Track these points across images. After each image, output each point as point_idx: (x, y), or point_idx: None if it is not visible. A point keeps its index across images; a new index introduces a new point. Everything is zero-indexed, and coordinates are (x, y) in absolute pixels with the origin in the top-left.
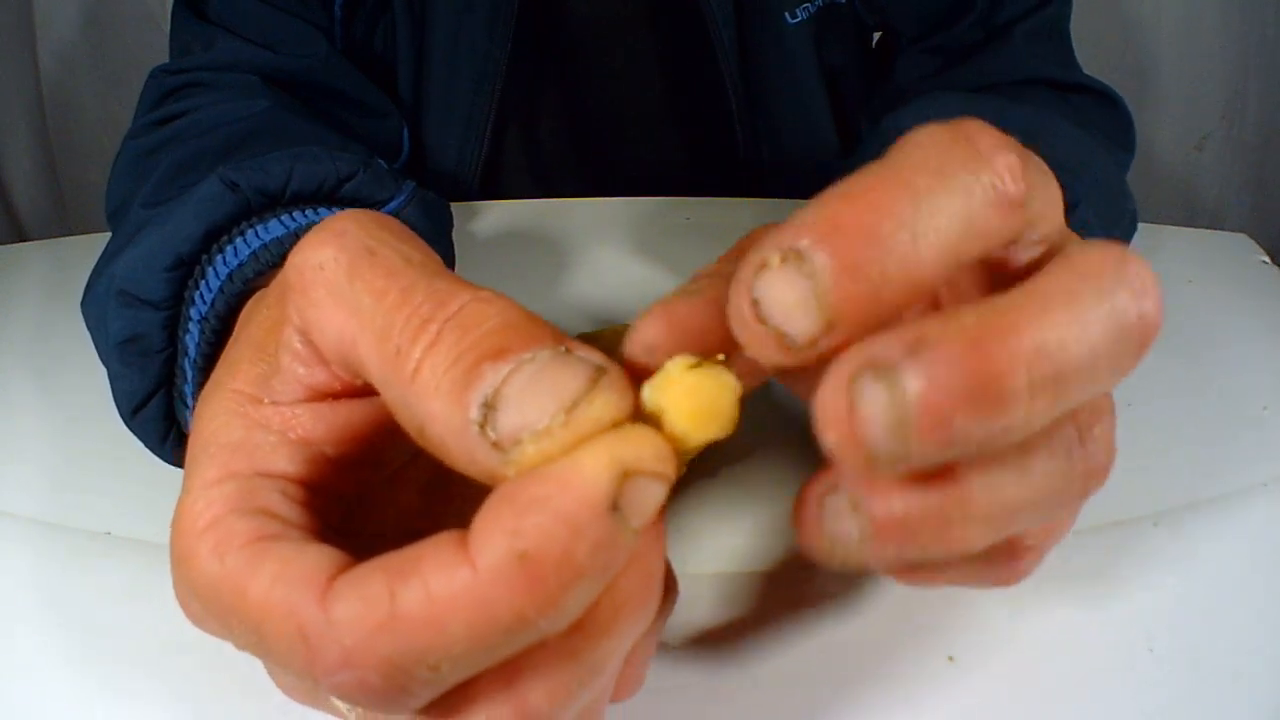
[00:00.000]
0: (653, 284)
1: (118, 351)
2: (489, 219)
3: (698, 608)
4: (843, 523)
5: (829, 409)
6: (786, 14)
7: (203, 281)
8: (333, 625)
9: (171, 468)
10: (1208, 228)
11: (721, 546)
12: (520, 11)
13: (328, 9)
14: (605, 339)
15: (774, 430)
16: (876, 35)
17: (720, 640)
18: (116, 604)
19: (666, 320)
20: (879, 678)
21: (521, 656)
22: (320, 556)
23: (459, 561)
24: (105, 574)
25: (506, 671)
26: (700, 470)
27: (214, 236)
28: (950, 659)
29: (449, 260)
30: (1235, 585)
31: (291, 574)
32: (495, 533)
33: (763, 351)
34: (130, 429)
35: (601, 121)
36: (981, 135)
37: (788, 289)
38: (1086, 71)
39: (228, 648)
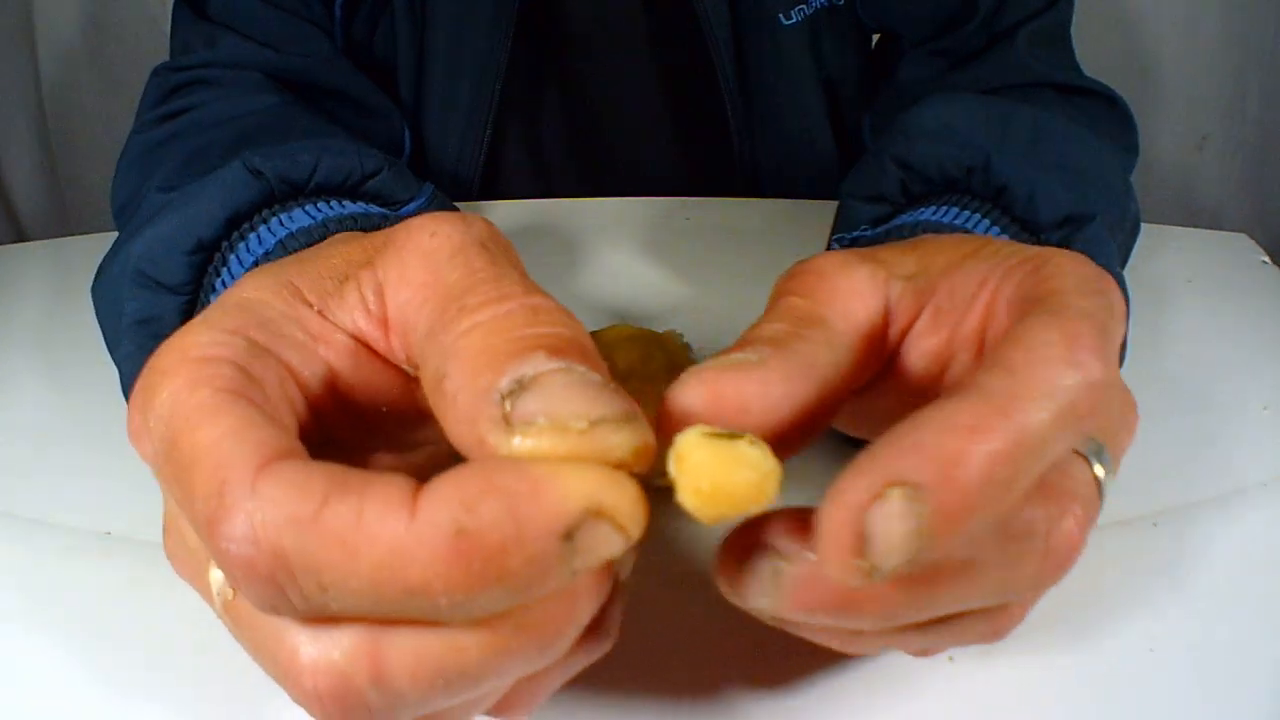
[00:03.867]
0: (653, 284)
1: (131, 331)
2: (489, 219)
3: (698, 607)
4: (762, 584)
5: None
6: (781, 15)
7: (225, 269)
8: (254, 496)
9: None
10: (1208, 228)
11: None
12: (520, 12)
13: (328, 8)
14: (605, 339)
15: None
16: (875, 37)
17: (718, 641)
18: (116, 604)
19: (711, 391)
20: (879, 678)
21: (409, 620)
22: (281, 437)
23: (402, 505)
24: (105, 574)
25: (382, 623)
26: None
27: (236, 223)
28: (950, 659)
29: None
30: (1235, 585)
31: (245, 435)
32: (451, 498)
33: (845, 575)
34: None
35: (601, 122)
36: (1091, 359)
37: (899, 528)
38: (1087, 72)
39: (229, 649)
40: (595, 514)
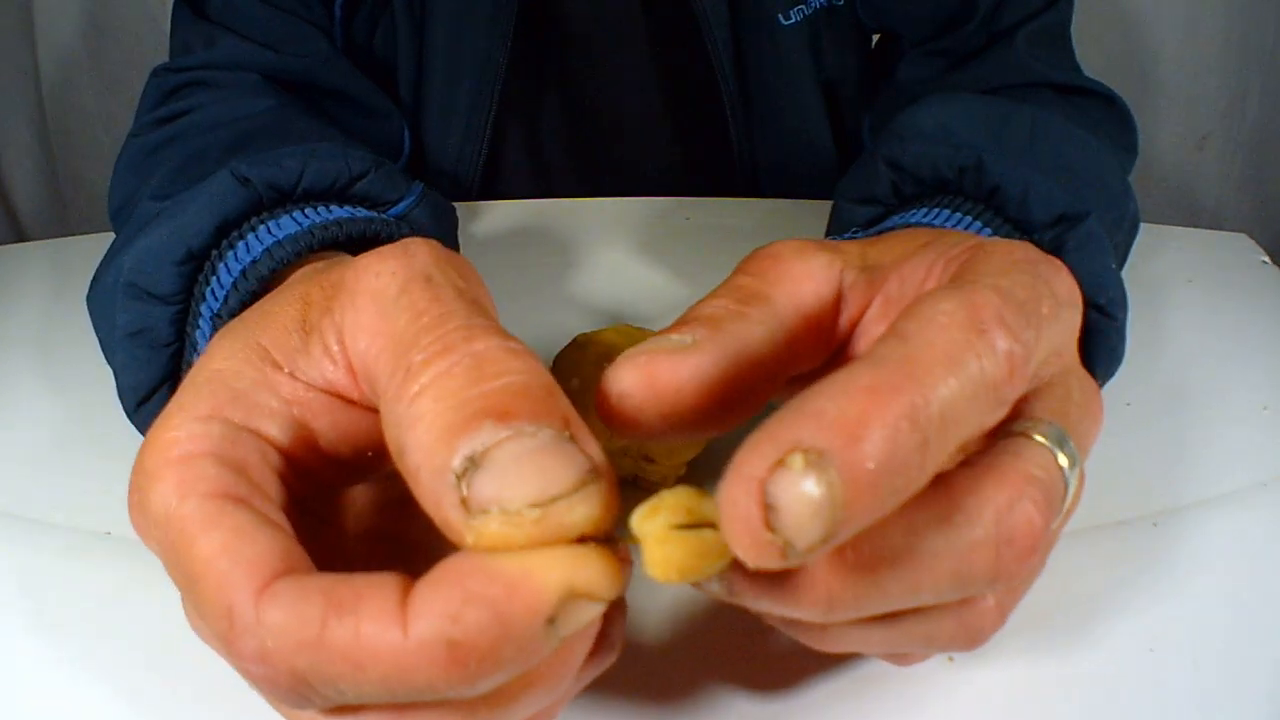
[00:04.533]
0: (653, 284)
1: (125, 343)
2: (489, 219)
3: (698, 609)
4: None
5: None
6: (780, 15)
7: (214, 278)
8: (260, 624)
9: None
10: (1208, 228)
11: None
12: (520, 12)
13: (328, 9)
14: (606, 339)
15: None
16: (875, 37)
17: (718, 641)
18: (116, 604)
19: (645, 375)
20: (879, 678)
21: (424, 705)
22: (272, 544)
23: (393, 620)
24: (105, 574)
25: (402, 706)
26: (701, 474)
27: (225, 231)
28: (950, 659)
29: None
30: (1235, 585)
31: (239, 552)
32: (434, 612)
33: (759, 557)
34: (133, 422)
35: (600, 122)
36: (993, 321)
37: (805, 497)
38: (1087, 71)
39: None
40: (572, 596)
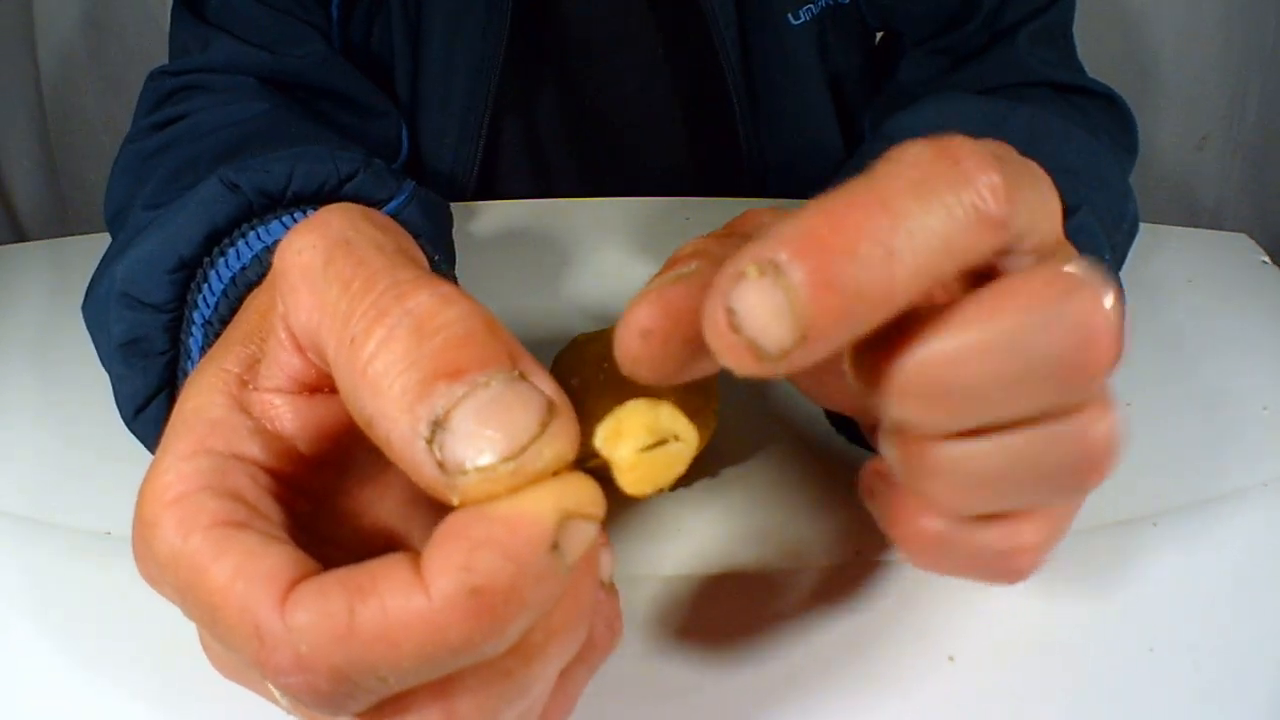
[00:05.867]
0: None
1: (120, 353)
2: (489, 219)
3: (698, 608)
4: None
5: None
6: (789, 15)
7: (205, 285)
8: (290, 631)
9: None
10: (1208, 228)
11: (722, 548)
12: (516, 11)
13: (325, 9)
14: (605, 339)
15: (775, 433)
16: (879, 36)
17: (720, 641)
18: (116, 604)
19: (661, 306)
20: (879, 678)
21: (457, 671)
22: (282, 557)
23: (415, 588)
24: (105, 574)
25: (441, 682)
26: (702, 472)
27: (215, 239)
28: (950, 659)
29: (450, 260)
30: (1235, 585)
31: (253, 571)
32: (449, 567)
33: (736, 361)
34: (131, 430)
35: (600, 121)
36: (966, 153)
37: (763, 301)
38: (1087, 72)
39: None
40: (566, 518)
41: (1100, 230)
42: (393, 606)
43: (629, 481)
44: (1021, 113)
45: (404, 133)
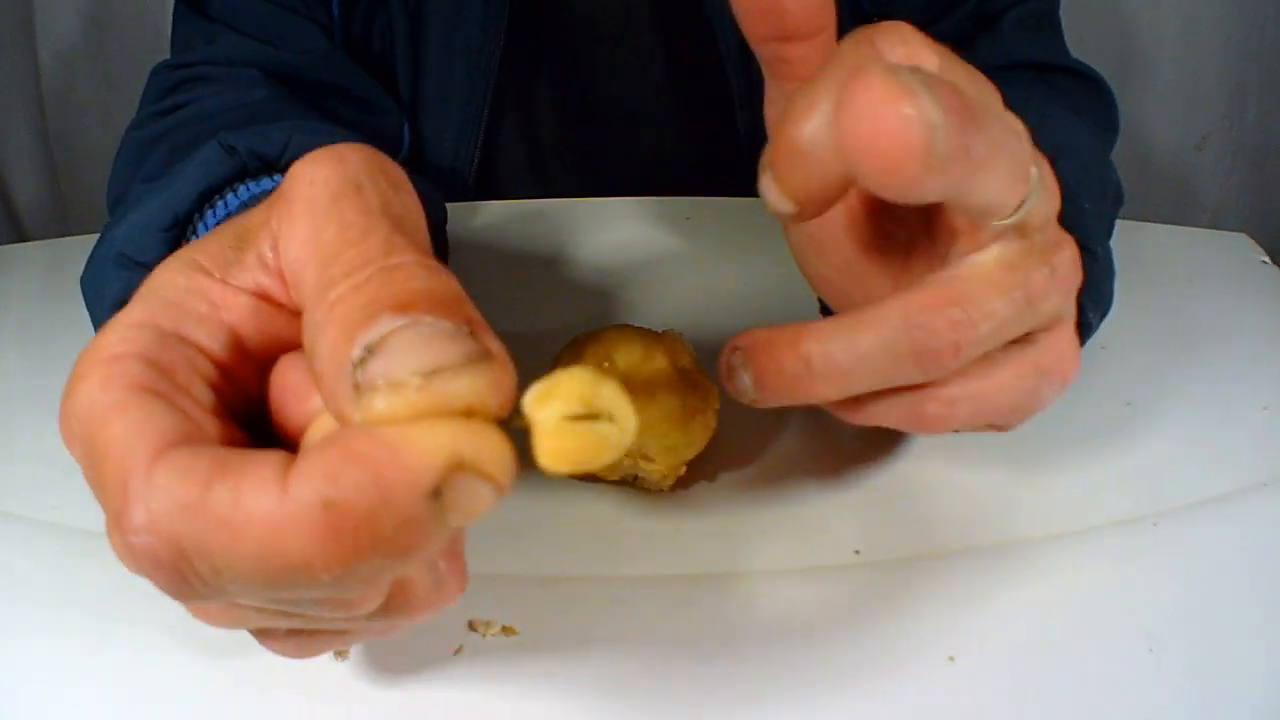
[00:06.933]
0: (653, 284)
1: (112, 312)
2: (488, 219)
3: (699, 608)
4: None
5: (874, 120)
6: None
7: (193, 236)
8: (148, 487)
9: None
10: (1208, 228)
11: (722, 548)
12: (514, 6)
13: (325, 6)
14: (605, 339)
15: (773, 433)
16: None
17: (720, 641)
18: (116, 604)
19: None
20: (879, 678)
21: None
22: (176, 422)
23: (275, 484)
24: (105, 574)
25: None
26: (700, 474)
27: (208, 197)
28: (950, 659)
29: (441, 256)
30: (1235, 585)
31: (143, 427)
32: (315, 473)
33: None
34: None
35: (600, 116)
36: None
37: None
38: None
39: (230, 647)
40: (458, 467)
41: (1088, 201)
42: (246, 493)
43: (545, 450)
44: (1005, 94)
45: (405, 128)
